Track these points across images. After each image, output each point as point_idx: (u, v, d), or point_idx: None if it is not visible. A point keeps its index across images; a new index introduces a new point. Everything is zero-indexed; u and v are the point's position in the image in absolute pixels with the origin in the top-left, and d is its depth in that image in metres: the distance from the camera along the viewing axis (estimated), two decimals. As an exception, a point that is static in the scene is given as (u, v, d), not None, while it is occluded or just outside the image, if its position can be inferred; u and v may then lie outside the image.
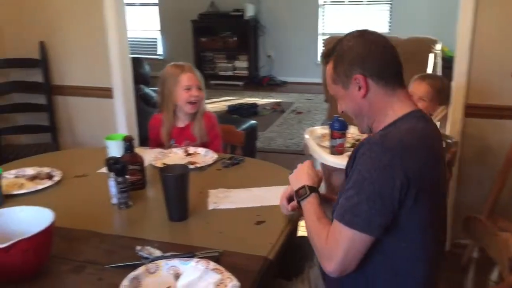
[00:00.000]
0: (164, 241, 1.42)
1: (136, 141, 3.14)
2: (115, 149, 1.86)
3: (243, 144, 2.54)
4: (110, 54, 3.15)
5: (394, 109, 1.26)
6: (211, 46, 7.22)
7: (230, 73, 7.30)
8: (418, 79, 2.45)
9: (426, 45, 4.11)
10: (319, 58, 6.57)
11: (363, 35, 1.29)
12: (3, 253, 1.14)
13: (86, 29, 3.18)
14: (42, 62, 3.30)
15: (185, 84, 2.27)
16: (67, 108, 3.40)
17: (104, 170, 1.81)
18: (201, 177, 1.89)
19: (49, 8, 3.22)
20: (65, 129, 3.44)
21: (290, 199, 1.47)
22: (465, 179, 2.68)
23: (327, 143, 2.38)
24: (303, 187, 1.37)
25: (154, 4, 7.50)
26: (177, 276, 1.20)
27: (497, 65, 2.49)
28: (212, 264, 1.23)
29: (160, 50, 7.69)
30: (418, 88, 2.41)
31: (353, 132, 2.40)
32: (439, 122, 2.50)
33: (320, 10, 7.01)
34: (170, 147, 2.27)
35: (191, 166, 1.92)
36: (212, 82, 6.99)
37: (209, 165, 2.01)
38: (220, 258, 1.29)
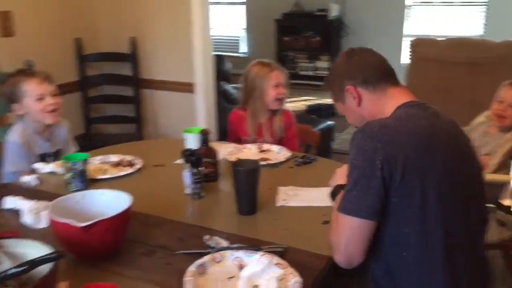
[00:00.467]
0: (232, 232, 1.46)
1: (214, 136, 3.26)
2: (192, 142, 1.94)
3: (318, 144, 2.54)
4: (194, 51, 3.27)
5: (388, 106, 1.33)
6: (294, 45, 7.24)
7: (311, 73, 7.28)
8: (508, 85, 2.32)
9: (520, 49, 3.86)
10: (402, 60, 6.38)
11: (348, 52, 1.43)
12: (84, 231, 1.24)
13: (173, 27, 3.33)
14: (132, 57, 3.49)
15: (274, 82, 2.33)
16: (152, 101, 3.58)
17: (180, 161, 1.89)
18: (272, 174, 1.92)
19: (140, 6, 3.42)
20: (149, 121, 3.62)
21: None
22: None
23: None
24: (337, 186, 1.41)
25: (242, 3, 7.65)
26: (241, 267, 1.24)
27: None
28: (276, 259, 1.25)
29: (243, 48, 7.83)
30: (508, 94, 2.28)
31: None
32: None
33: (406, 11, 6.80)
34: (251, 141, 2.33)
35: (263, 163, 1.96)
36: (293, 81, 6.98)
37: (282, 163, 2.03)
38: (285, 254, 1.31)
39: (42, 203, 1.57)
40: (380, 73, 1.37)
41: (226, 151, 2.12)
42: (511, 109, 2.27)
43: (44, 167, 1.96)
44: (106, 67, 3.62)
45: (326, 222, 1.51)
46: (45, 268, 1.05)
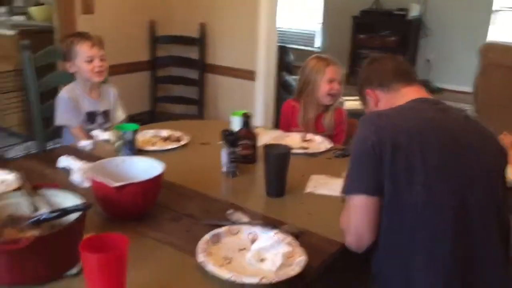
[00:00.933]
0: (256, 211, 1.53)
1: (270, 124, 3.33)
2: (236, 124, 2.03)
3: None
4: (259, 40, 3.36)
5: (400, 102, 1.42)
6: (369, 44, 7.10)
7: (383, 72, 7.13)
8: None
9: None
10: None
11: (369, 61, 1.60)
12: (117, 191, 1.36)
13: (241, 15, 3.43)
14: (200, 41, 3.64)
15: (329, 77, 2.36)
16: (214, 85, 3.71)
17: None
18: (308, 162, 1.96)
19: (212, -7, 3.55)
20: (210, 104, 3.77)
21: None
22: None
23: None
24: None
25: (322, -3, 7.61)
26: (253, 241, 1.30)
27: None
28: (289, 239, 1.30)
29: (317, 42, 7.81)
30: None
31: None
32: None
33: (492, 16, 6.46)
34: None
35: (302, 151, 2.00)
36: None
37: (321, 153, 2.06)
38: (300, 236, 1.35)
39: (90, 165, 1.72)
40: (393, 75, 1.49)
41: (270, 136, 2.18)
42: None
43: (101, 134, 2.13)
44: (175, 50, 3.79)
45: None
46: (75, 216, 1.17)
